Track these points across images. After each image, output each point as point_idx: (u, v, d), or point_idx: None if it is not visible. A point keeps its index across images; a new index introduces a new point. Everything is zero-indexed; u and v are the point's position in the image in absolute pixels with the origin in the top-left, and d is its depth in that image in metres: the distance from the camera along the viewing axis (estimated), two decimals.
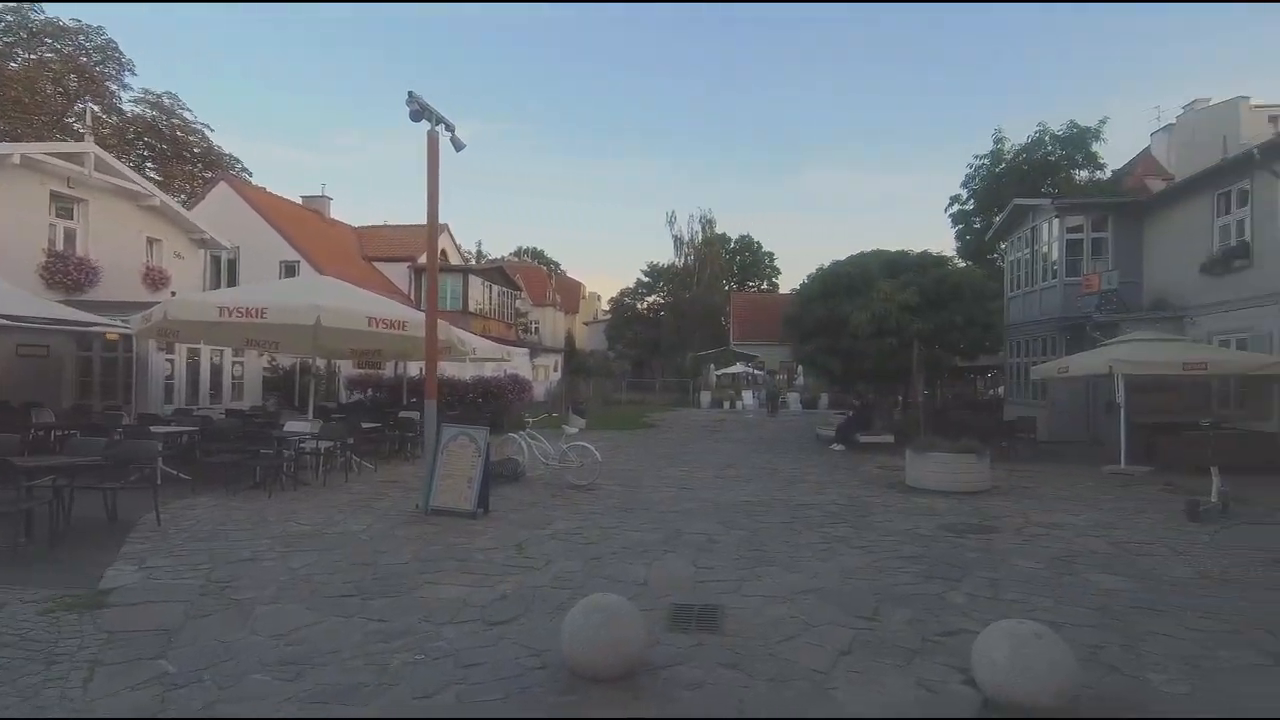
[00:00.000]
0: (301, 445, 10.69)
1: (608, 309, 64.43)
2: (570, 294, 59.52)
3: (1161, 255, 17.40)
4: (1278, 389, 13.25)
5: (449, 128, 9.23)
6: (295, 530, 7.75)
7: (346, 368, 20.06)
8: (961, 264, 28.54)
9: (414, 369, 17.69)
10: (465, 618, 5.13)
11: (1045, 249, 20.05)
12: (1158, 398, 15.23)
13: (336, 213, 34.92)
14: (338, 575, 6.10)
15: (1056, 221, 19.33)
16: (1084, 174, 33.29)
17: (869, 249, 20.71)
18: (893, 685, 4.07)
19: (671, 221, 55.87)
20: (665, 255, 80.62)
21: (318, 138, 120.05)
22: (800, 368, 43.88)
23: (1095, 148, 33.49)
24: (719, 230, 57.05)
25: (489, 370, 21.78)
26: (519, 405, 20.65)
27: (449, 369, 19.70)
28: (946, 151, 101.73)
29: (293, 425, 11.90)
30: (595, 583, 5.97)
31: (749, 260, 66.55)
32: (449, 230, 35.74)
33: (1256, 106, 30.06)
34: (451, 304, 28.92)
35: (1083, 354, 15.29)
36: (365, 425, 13.28)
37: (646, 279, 59.83)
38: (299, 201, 33.22)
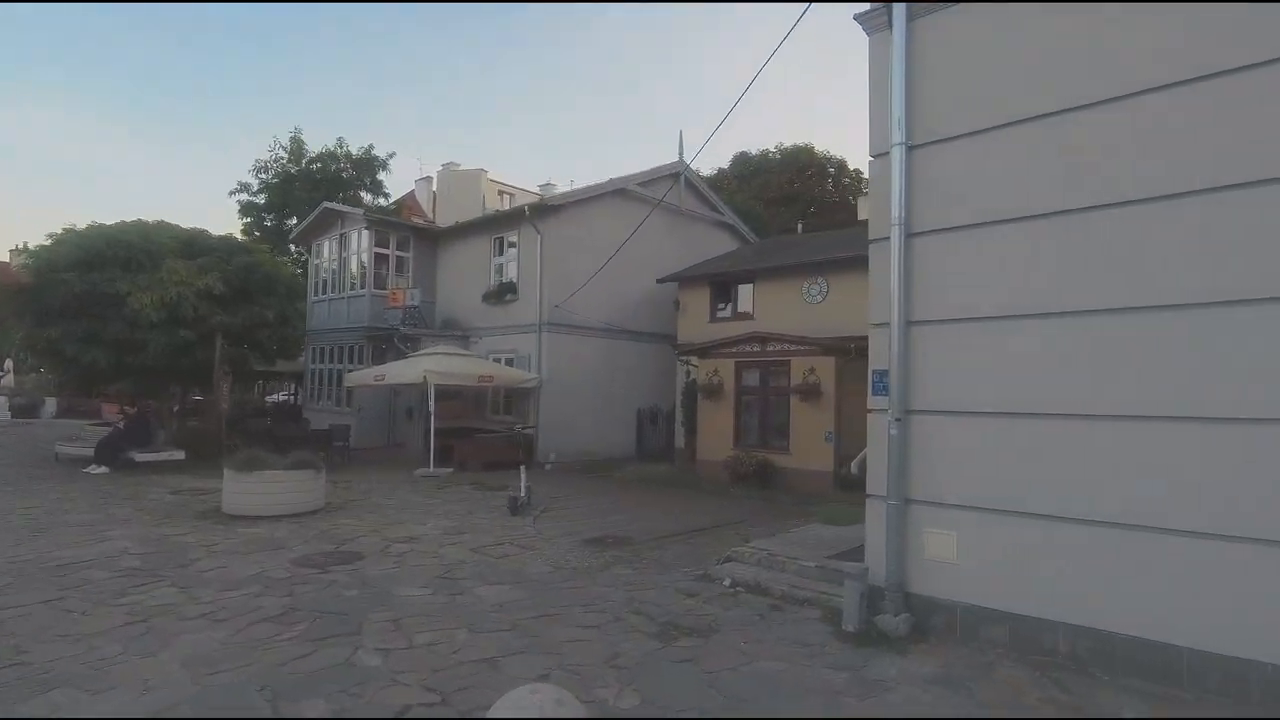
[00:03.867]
0: None
1: None
2: None
3: (452, 280, 19.83)
4: (533, 399, 16.70)
5: None
6: None
7: None
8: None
9: None
10: None
11: (355, 258, 20.23)
12: (449, 405, 17.10)
13: None
14: None
15: (367, 233, 19.73)
16: (370, 197, 35.93)
17: (132, 218, 16.61)
18: None
19: None
20: None
21: None
22: (9, 362, 32.22)
23: (381, 176, 36.61)
24: None
25: None
26: None
27: None
28: (230, 130, 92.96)
29: None
30: None
31: None
32: None
33: (492, 180, 38.98)
34: None
35: (398, 363, 15.90)
36: None
37: None
38: None
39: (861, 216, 19.59)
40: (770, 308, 15.85)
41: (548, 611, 5.46)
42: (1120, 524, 4.31)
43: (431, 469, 13.98)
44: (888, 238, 5.34)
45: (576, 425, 16.96)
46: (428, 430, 15.11)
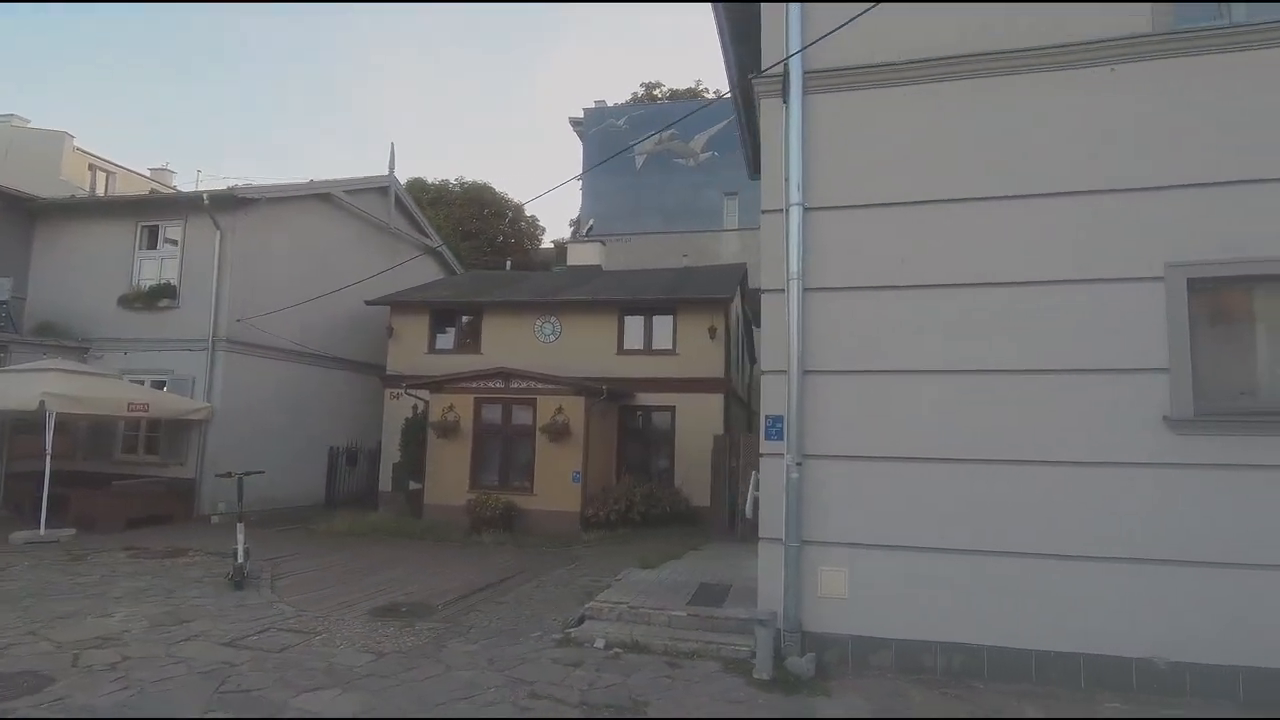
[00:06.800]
0: None
1: None
2: None
3: (60, 273, 14.64)
4: (196, 434, 13.11)
5: None
6: None
7: None
8: None
9: None
10: None
11: None
12: (35, 442, 12.27)
13: None
14: None
15: None
16: None
17: None
18: None
19: None
20: None
21: None
22: None
23: None
24: None
25: None
26: None
27: None
28: None
29: None
30: None
31: None
32: None
33: (79, 150, 30.79)
34: None
35: None
36: None
37: None
38: None
39: (572, 262, 20.33)
40: (500, 343, 15.29)
41: (431, 715, 4.25)
42: (981, 551, 5.14)
43: (43, 532, 9.93)
44: (783, 290, 5.62)
45: (253, 467, 13.79)
46: (22, 477, 10.72)
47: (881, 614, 5.27)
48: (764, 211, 5.89)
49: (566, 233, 37.00)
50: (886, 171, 5.64)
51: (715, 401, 14.20)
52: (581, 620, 6.10)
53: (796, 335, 5.52)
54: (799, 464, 5.38)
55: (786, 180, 5.70)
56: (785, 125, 5.76)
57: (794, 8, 5.75)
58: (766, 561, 5.48)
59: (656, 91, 36.38)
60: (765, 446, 5.60)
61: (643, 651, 5.49)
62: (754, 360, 21.54)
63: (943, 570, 5.20)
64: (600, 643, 5.61)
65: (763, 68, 6.04)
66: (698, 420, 14.02)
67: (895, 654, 5.21)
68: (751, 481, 5.83)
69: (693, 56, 75.62)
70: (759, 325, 7.73)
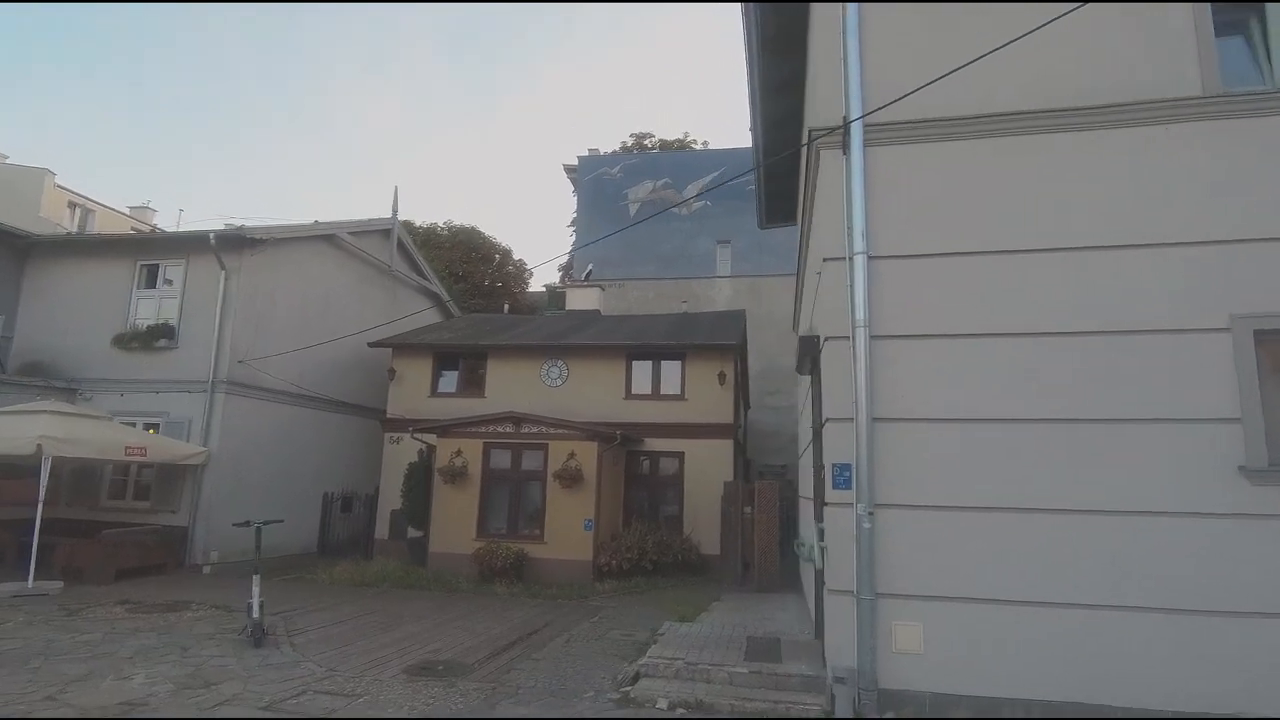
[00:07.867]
0: None
1: None
2: None
3: (50, 311, 14.14)
4: (190, 480, 12.58)
5: None
6: None
7: None
8: None
9: None
10: None
11: None
12: (27, 486, 11.71)
13: None
14: None
15: None
16: None
17: None
18: None
19: None
20: None
21: None
22: None
23: None
24: None
25: None
26: None
27: None
28: None
29: None
30: None
31: None
32: None
33: (60, 186, 30.52)
34: None
35: None
36: None
37: None
38: None
39: (571, 306, 20.27)
40: (504, 387, 15.07)
41: None
42: (1058, 603, 5.03)
43: (31, 584, 9.34)
44: (847, 337, 5.60)
45: (247, 514, 13.22)
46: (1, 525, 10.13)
47: (958, 670, 5.10)
48: (826, 260, 5.90)
49: (556, 278, 37.08)
50: (950, 222, 5.70)
51: (725, 448, 14.08)
52: (636, 678, 5.82)
53: (865, 382, 5.47)
54: (871, 514, 5.27)
55: (849, 229, 5.73)
56: (847, 176, 5.83)
57: (854, 62, 5.89)
58: (835, 615, 5.31)
59: (647, 141, 37.07)
60: (832, 496, 5.49)
61: (709, 713, 5.24)
62: (748, 406, 21.51)
63: (1020, 623, 5.07)
64: (663, 703, 5.34)
65: (819, 123, 6.12)
66: (707, 466, 13.86)
67: (973, 711, 5.03)
68: (815, 532, 5.70)
69: (678, 108, 77.78)
70: (803, 372, 7.69)
